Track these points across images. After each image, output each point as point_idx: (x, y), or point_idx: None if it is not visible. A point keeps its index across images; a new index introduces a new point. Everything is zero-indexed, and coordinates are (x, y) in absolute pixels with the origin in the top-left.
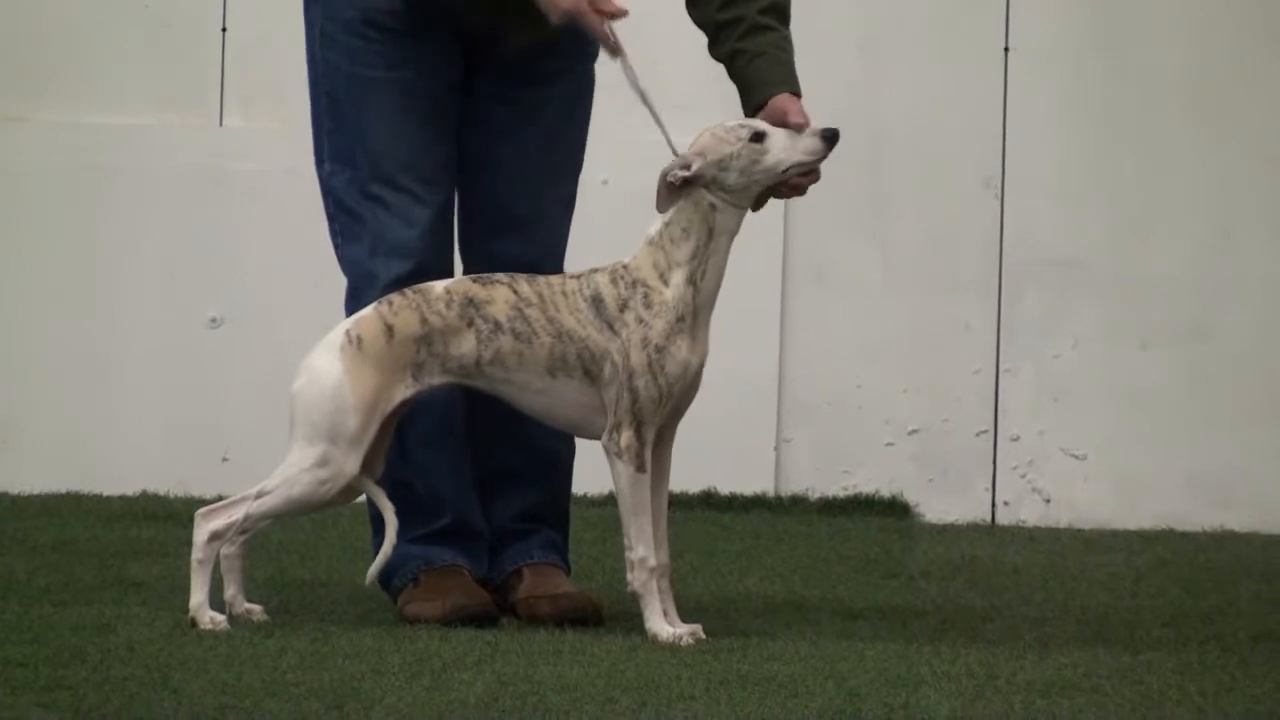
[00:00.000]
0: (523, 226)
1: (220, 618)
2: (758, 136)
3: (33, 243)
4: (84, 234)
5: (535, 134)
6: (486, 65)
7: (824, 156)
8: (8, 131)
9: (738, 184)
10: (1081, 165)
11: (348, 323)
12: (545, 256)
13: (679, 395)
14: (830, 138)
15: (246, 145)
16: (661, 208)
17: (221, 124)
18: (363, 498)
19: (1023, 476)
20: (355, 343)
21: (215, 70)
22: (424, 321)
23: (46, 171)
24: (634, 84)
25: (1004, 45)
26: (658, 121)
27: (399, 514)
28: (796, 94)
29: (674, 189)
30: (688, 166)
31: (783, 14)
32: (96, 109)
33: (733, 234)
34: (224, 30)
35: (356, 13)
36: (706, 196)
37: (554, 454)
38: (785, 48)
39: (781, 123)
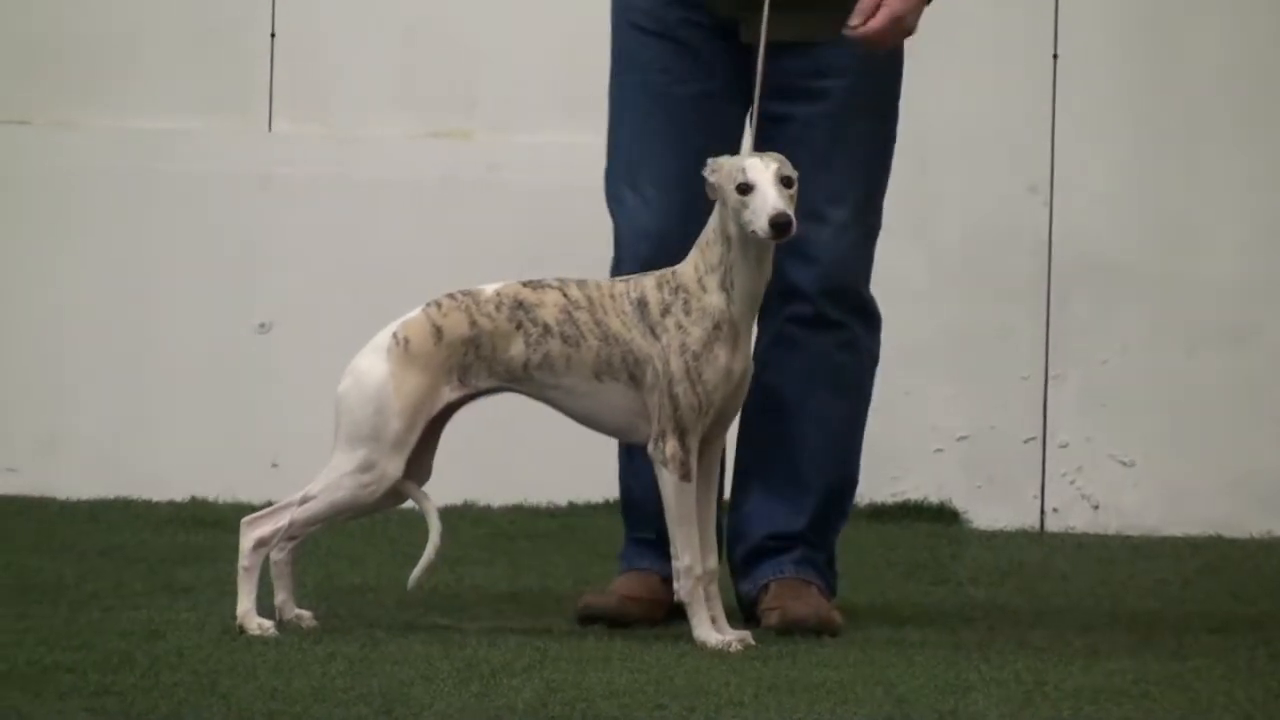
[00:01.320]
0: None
1: (268, 623)
2: (744, 189)
3: (81, 247)
4: (132, 239)
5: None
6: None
7: (771, 240)
8: (56, 136)
9: (731, 214)
10: (1129, 170)
11: (395, 324)
12: None
13: (721, 403)
14: (781, 229)
15: (295, 150)
16: (711, 194)
17: (270, 129)
18: (410, 503)
19: (1071, 483)
20: (403, 344)
21: (264, 75)
22: (473, 324)
23: (94, 176)
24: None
25: (1052, 52)
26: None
27: (622, 509)
28: None
29: (709, 189)
30: (714, 172)
31: None
32: (145, 114)
33: (759, 249)
34: (272, 35)
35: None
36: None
37: (819, 473)
38: None
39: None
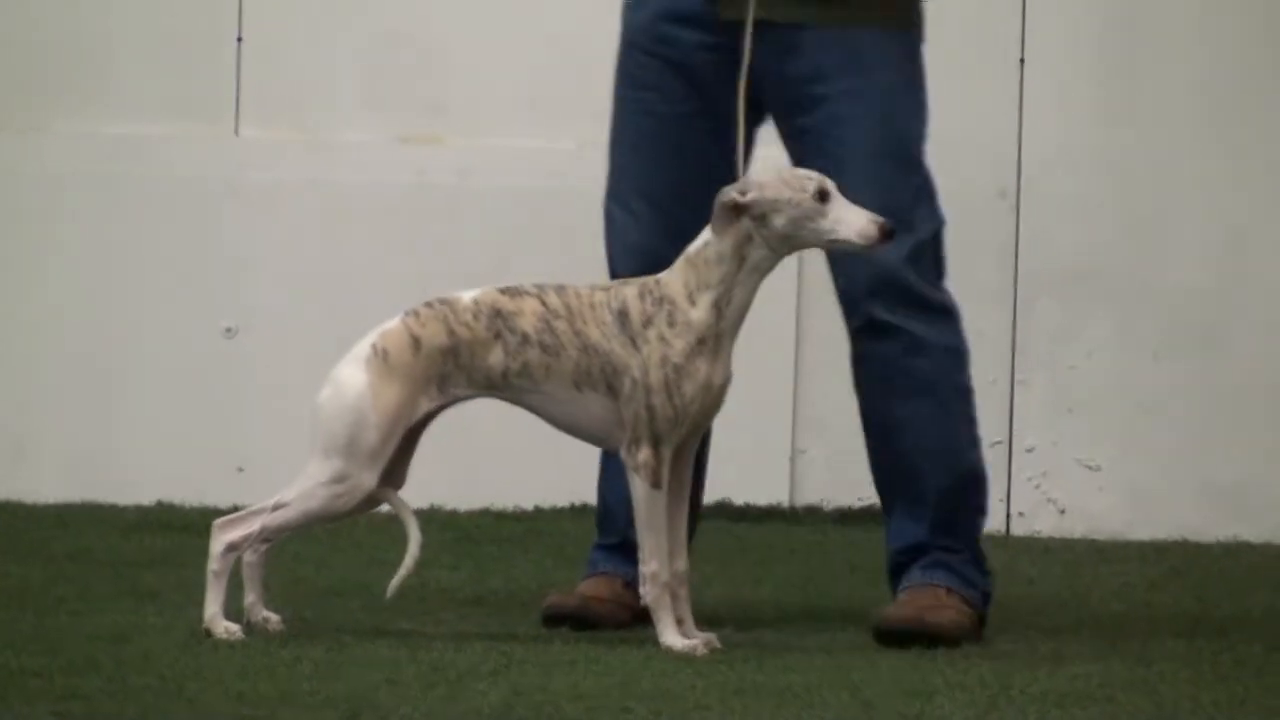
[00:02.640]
0: None
1: (235, 627)
2: (822, 195)
3: (48, 253)
4: (99, 244)
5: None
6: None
7: (873, 247)
8: (23, 141)
9: (782, 231)
10: (1097, 176)
11: (374, 334)
12: None
13: (697, 414)
14: (888, 234)
15: (263, 155)
16: (715, 228)
17: (238, 134)
18: (382, 507)
19: (1037, 487)
20: (381, 355)
21: (231, 80)
22: (451, 333)
23: (61, 181)
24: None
25: (1019, 56)
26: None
27: (596, 515)
28: None
29: (726, 211)
30: (744, 193)
31: None
32: (112, 119)
33: (765, 273)
34: (239, 40)
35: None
36: (749, 228)
37: (925, 479)
38: None
39: None
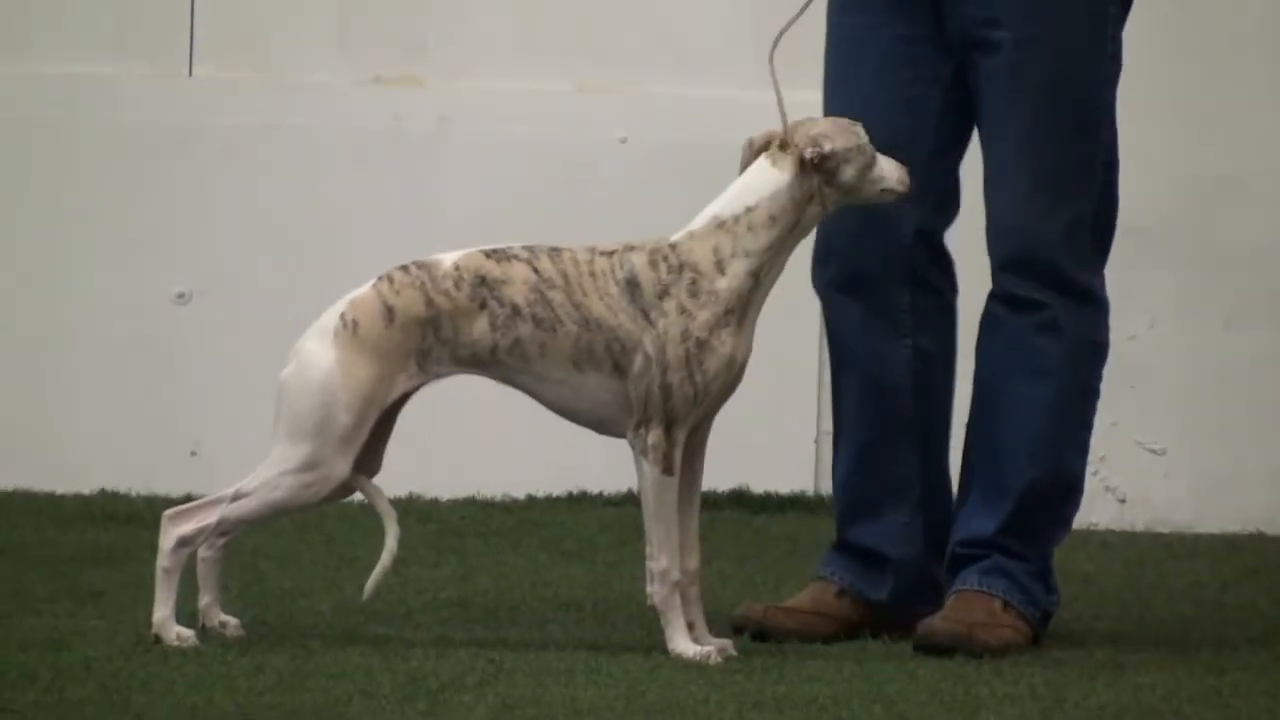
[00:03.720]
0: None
1: (188, 633)
2: (873, 143)
3: None
4: (37, 197)
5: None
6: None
7: (907, 193)
8: None
9: (848, 183)
10: (1157, 123)
11: (343, 303)
12: None
13: (717, 393)
14: (912, 176)
15: (219, 98)
16: (798, 191)
17: (191, 74)
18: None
19: (1094, 474)
20: (350, 327)
21: (184, 14)
22: (429, 303)
23: None
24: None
25: None
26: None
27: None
28: None
29: (806, 169)
30: (820, 146)
31: None
32: (51, 58)
33: (807, 234)
34: None
35: None
36: (815, 187)
37: (1019, 470)
38: None
39: None
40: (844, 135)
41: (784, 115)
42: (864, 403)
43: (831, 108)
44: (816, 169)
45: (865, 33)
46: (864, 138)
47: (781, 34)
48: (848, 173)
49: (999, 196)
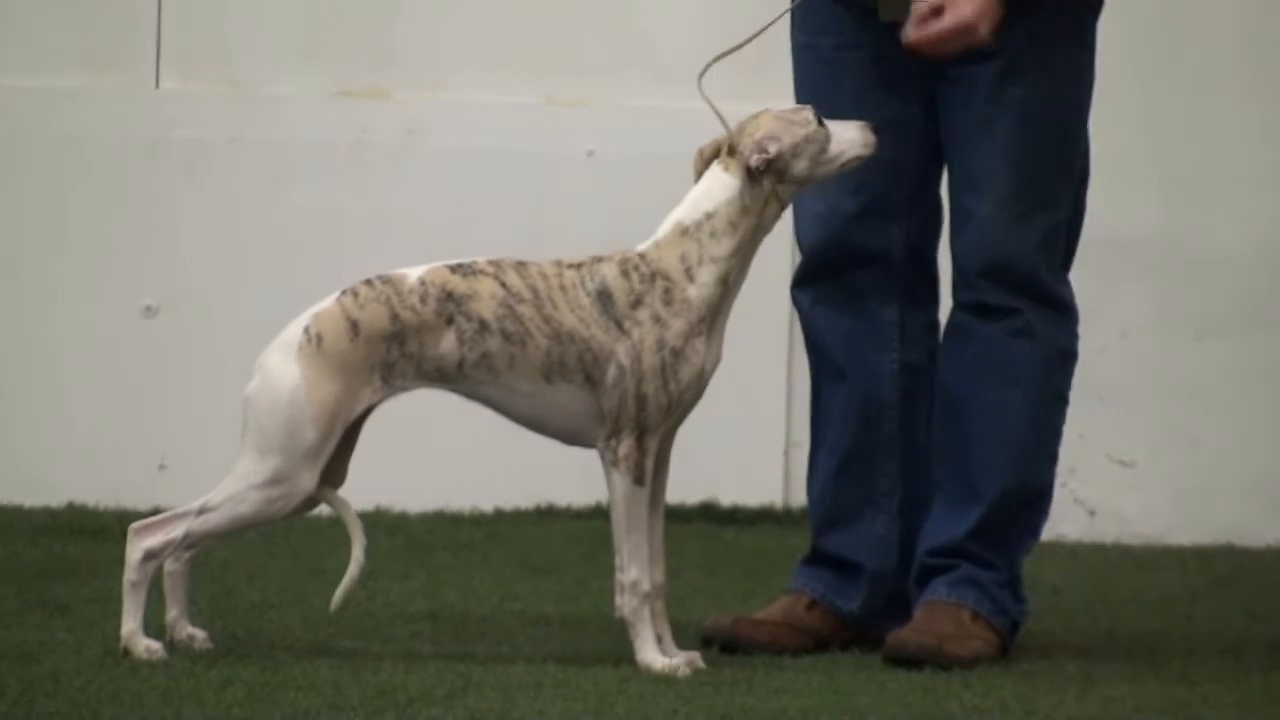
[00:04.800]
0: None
1: (156, 646)
2: (820, 119)
3: None
4: (1, 211)
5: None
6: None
7: (876, 152)
8: None
9: (800, 175)
10: (1130, 136)
11: (306, 317)
12: None
13: (687, 403)
14: (877, 131)
15: (186, 111)
16: (749, 199)
17: (158, 86)
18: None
19: (1064, 485)
20: (314, 341)
21: (150, 25)
22: (394, 317)
23: None
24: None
25: None
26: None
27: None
28: None
29: (755, 178)
30: (765, 150)
31: None
32: (15, 70)
33: (768, 233)
34: None
35: None
36: (768, 189)
37: (990, 476)
38: None
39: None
40: (790, 130)
41: (726, 124)
42: (848, 415)
43: None
44: (764, 174)
45: (839, 53)
46: (812, 123)
47: (715, 60)
48: (799, 166)
49: (976, 203)
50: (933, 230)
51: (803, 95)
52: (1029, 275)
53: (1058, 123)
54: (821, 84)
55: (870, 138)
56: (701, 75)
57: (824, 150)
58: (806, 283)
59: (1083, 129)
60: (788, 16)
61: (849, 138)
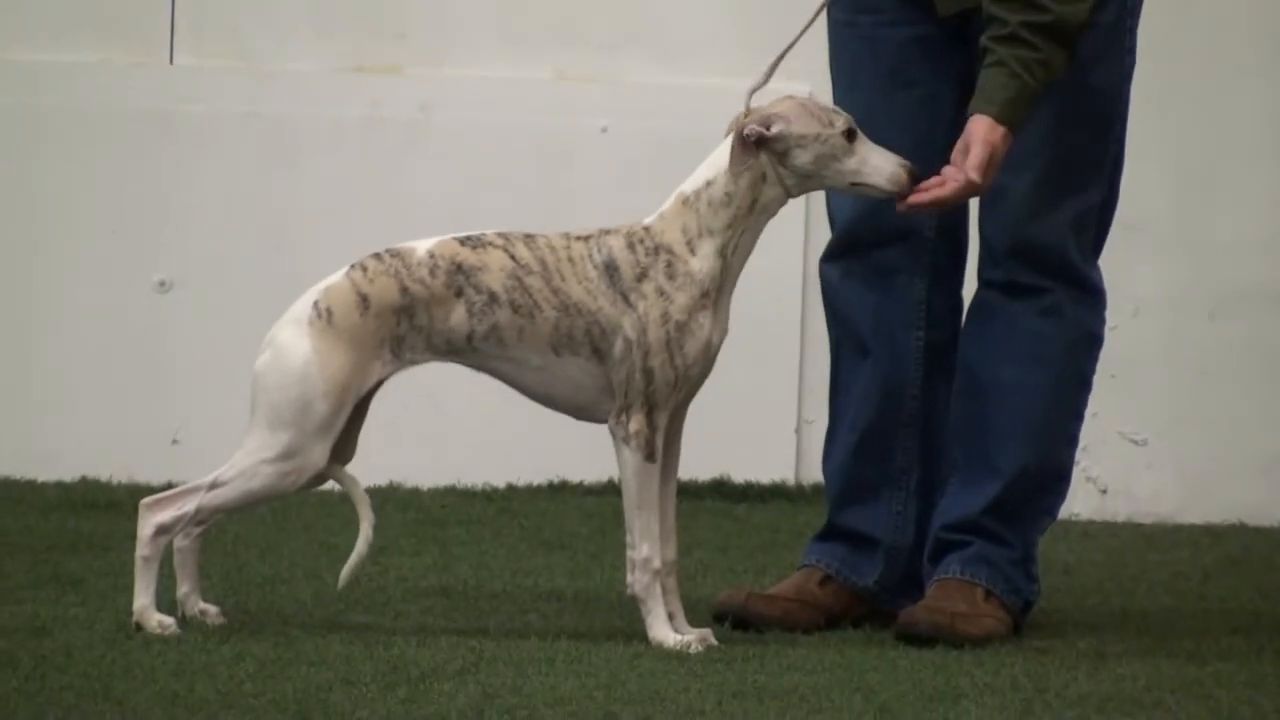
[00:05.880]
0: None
1: (169, 620)
2: (850, 134)
3: None
4: (16, 184)
5: None
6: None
7: (900, 194)
8: None
9: (803, 168)
10: (1142, 116)
11: (315, 291)
12: None
13: (695, 378)
14: (916, 179)
15: (199, 85)
16: (734, 167)
17: (172, 62)
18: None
19: (1075, 464)
20: (324, 316)
21: (164, 1)
22: (404, 290)
23: None
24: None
25: None
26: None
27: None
28: (1005, 124)
29: (746, 147)
30: (768, 125)
31: (1056, 34)
32: (31, 44)
33: (772, 215)
34: None
35: None
36: (766, 166)
37: (1009, 454)
38: (1031, 69)
39: (961, 148)
40: (805, 121)
41: (748, 99)
42: (870, 391)
43: (844, 108)
44: (760, 147)
45: (878, 30)
46: (835, 127)
47: (772, 68)
48: (802, 158)
49: (1011, 182)
50: (964, 209)
51: (839, 71)
52: (1060, 256)
53: (1096, 106)
54: (859, 58)
55: (902, 177)
56: (756, 89)
57: (838, 159)
58: (836, 257)
59: (1121, 114)
60: (826, 8)
61: (877, 164)
